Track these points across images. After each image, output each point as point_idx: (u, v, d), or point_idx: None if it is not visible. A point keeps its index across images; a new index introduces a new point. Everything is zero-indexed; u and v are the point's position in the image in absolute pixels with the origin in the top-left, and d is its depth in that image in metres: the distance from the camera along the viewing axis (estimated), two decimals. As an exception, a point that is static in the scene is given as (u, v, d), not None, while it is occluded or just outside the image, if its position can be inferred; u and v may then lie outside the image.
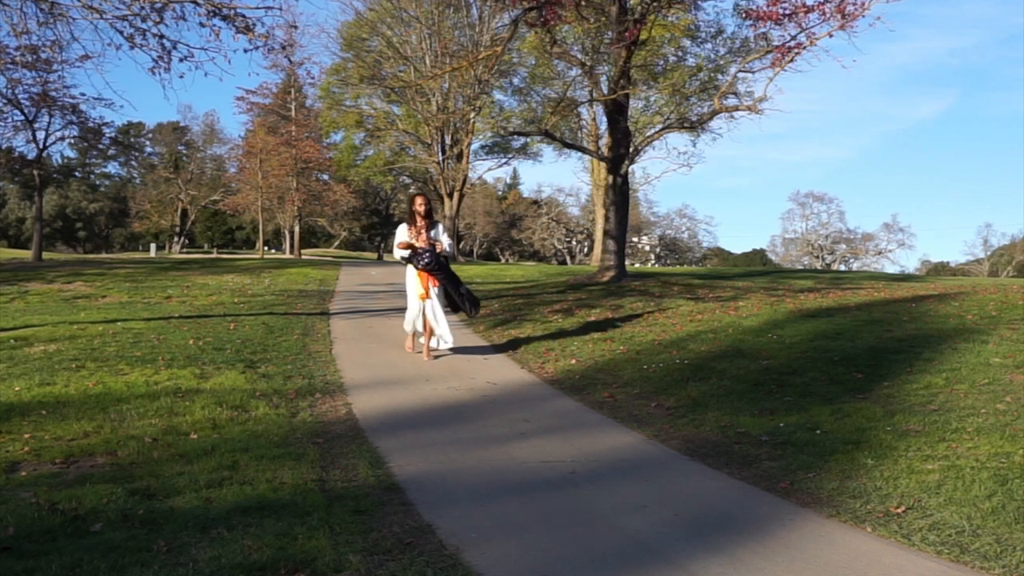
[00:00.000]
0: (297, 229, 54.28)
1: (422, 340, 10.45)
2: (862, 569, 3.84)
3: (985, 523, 4.26)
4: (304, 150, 51.13)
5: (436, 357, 10.29)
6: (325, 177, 56.56)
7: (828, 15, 15.92)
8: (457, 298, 10.40)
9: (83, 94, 36.24)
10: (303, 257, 48.20)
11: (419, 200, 10.40)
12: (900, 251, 76.33)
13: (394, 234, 10.94)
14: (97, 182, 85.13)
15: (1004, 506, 4.43)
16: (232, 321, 12.94)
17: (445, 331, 10.19)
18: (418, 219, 10.24)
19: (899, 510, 4.53)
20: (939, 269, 76.60)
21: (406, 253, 10.21)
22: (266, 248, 60.97)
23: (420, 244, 10.11)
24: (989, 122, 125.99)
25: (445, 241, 10.28)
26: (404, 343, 10.87)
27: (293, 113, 52.28)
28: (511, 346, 11.24)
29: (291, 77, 50.64)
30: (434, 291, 10.16)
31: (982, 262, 77.20)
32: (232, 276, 22.93)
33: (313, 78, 48.87)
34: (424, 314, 10.20)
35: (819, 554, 4.03)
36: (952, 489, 4.74)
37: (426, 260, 10.02)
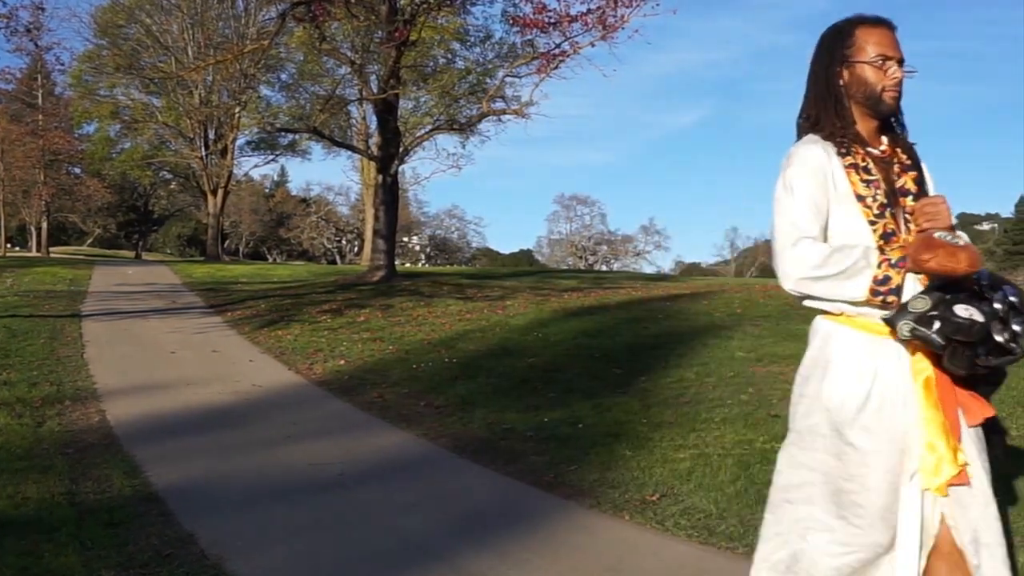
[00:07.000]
0: (45, 225, 50.55)
1: None
2: (621, 555, 4.03)
3: (730, 506, 4.57)
4: (53, 141, 47.60)
5: None
6: (77, 170, 53.07)
7: (590, 25, 16.67)
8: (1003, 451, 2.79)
9: None
10: (52, 255, 45.02)
11: (882, 37, 2.31)
12: (656, 252, 79.91)
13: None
14: None
15: (747, 490, 4.76)
16: (-32, 324, 11.92)
17: None
18: (874, 136, 2.37)
19: (654, 498, 4.78)
20: (691, 270, 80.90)
21: (863, 289, 2.13)
22: (9, 246, 56.41)
23: (931, 222, 2.14)
24: (739, 132, 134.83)
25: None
26: None
27: (40, 101, 48.55)
28: (278, 347, 10.98)
29: (38, 62, 47.06)
30: (972, 447, 2.17)
31: (729, 263, 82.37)
32: (-32, 276, 21.12)
33: (63, 64, 45.77)
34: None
35: (581, 544, 4.19)
36: (701, 476, 5.05)
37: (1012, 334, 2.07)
